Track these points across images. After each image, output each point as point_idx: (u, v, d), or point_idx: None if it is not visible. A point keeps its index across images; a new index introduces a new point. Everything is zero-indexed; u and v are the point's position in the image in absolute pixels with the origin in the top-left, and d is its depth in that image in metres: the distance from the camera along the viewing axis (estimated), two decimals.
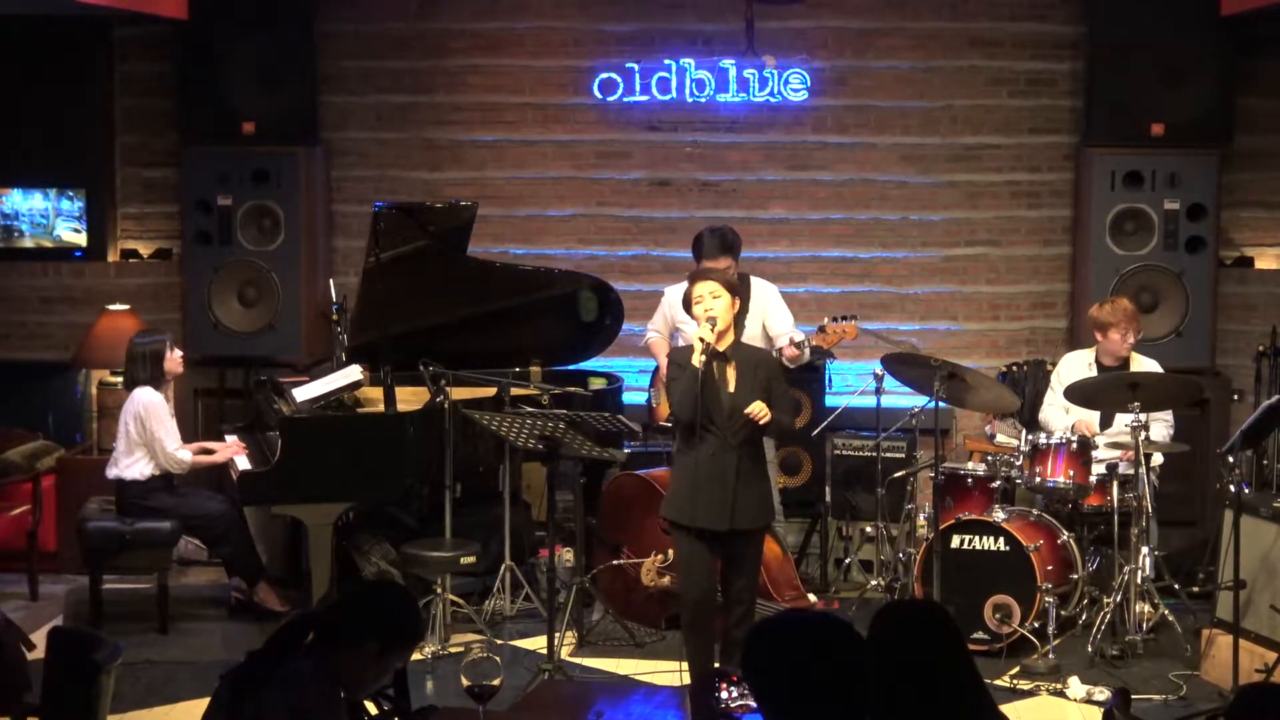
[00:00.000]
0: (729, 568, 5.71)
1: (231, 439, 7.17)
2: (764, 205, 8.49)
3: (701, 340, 5.54)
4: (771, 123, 8.43)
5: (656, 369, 7.18)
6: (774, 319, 6.93)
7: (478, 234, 7.23)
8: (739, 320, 6.75)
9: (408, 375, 6.89)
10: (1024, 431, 6.89)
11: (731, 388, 5.58)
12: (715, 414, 5.58)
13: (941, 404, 6.39)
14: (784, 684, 3.15)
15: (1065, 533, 6.72)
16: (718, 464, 5.58)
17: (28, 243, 8.58)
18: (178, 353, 7.04)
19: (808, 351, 6.73)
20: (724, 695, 3.63)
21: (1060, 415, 7.00)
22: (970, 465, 7.04)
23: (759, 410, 5.47)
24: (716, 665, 5.81)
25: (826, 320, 6.79)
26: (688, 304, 5.76)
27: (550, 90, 8.52)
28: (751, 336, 6.78)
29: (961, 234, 8.44)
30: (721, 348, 5.63)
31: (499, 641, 6.66)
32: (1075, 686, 6.17)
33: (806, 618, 3.31)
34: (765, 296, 6.99)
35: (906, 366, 6.66)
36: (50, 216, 8.57)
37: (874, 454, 7.37)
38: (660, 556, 6.75)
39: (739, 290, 5.75)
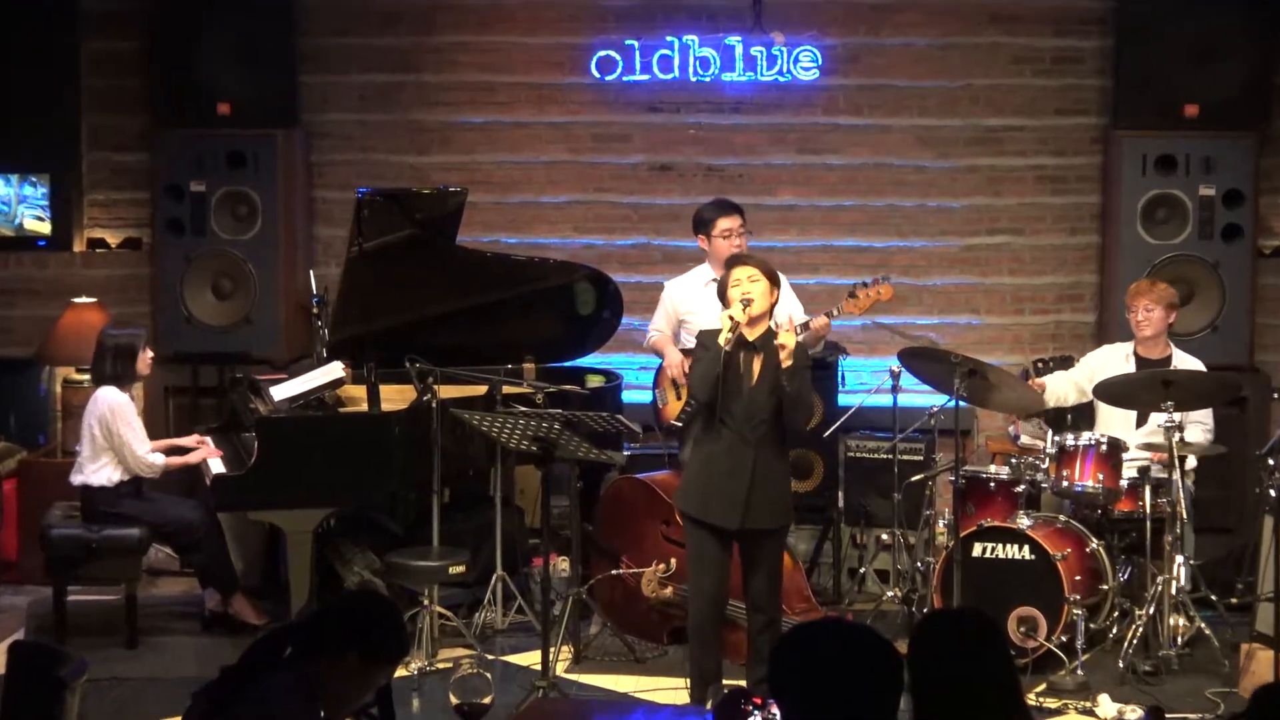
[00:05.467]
0: (746, 567, 5.75)
1: (204, 439, 7.13)
2: (772, 191, 8.47)
3: (731, 319, 5.54)
4: (780, 103, 8.40)
5: (660, 367, 7.16)
6: (783, 306, 6.92)
7: (467, 222, 7.21)
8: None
9: (393, 373, 6.87)
10: (1050, 432, 6.86)
11: (754, 380, 5.56)
12: (734, 405, 5.59)
13: (962, 403, 6.37)
14: (814, 700, 3.14)
15: (1094, 540, 6.69)
16: (734, 459, 5.60)
17: None
18: (149, 353, 7.01)
19: (820, 344, 6.77)
20: (749, 717, 3.61)
21: (1061, 383, 6.95)
22: (993, 468, 7.00)
23: (787, 339, 5.52)
24: (727, 681, 5.80)
25: (856, 285, 6.78)
26: (722, 291, 5.74)
27: (545, 69, 8.48)
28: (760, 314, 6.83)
29: (983, 222, 8.42)
30: (751, 336, 5.63)
31: (490, 657, 6.64)
32: (1105, 705, 6.13)
33: (842, 628, 3.29)
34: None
35: (925, 363, 6.64)
36: (12, 204, 8.52)
37: (890, 456, 7.34)
38: (662, 566, 6.72)
39: (778, 280, 5.76)
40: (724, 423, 5.61)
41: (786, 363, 5.51)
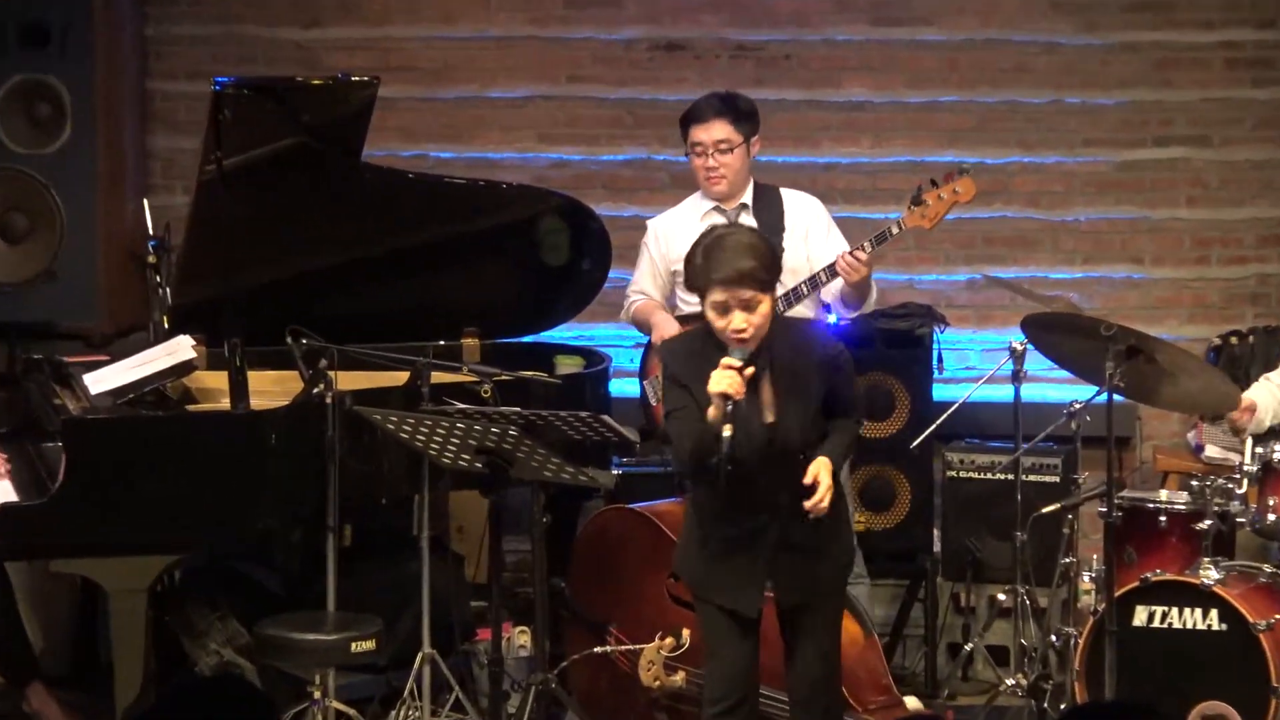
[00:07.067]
0: (787, 642, 5.73)
1: None
2: (834, 81, 8.51)
3: (722, 399, 5.33)
4: None
5: (649, 346, 7.15)
6: (822, 245, 7.01)
7: (379, 128, 7.17)
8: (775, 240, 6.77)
9: (269, 352, 6.89)
10: (1250, 443, 6.83)
11: (769, 414, 5.49)
12: (745, 453, 5.49)
13: (1118, 397, 6.34)
14: None
15: None
16: (749, 525, 5.58)
17: None
18: None
19: (871, 291, 6.86)
20: None
21: (1266, 392, 6.94)
22: (1164, 495, 6.99)
23: (819, 498, 5.40)
24: None
25: (922, 186, 6.73)
26: (696, 288, 5.61)
27: None
28: (794, 270, 6.86)
29: (1148, 127, 8.45)
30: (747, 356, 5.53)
31: None
32: None
33: None
34: (807, 216, 7.11)
35: (1062, 336, 6.61)
36: None
37: (1009, 477, 7.32)
38: (669, 640, 6.70)
39: (777, 269, 5.59)
40: (736, 479, 5.49)
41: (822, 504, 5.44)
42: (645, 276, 7.20)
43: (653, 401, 7.14)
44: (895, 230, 6.77)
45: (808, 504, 5.38)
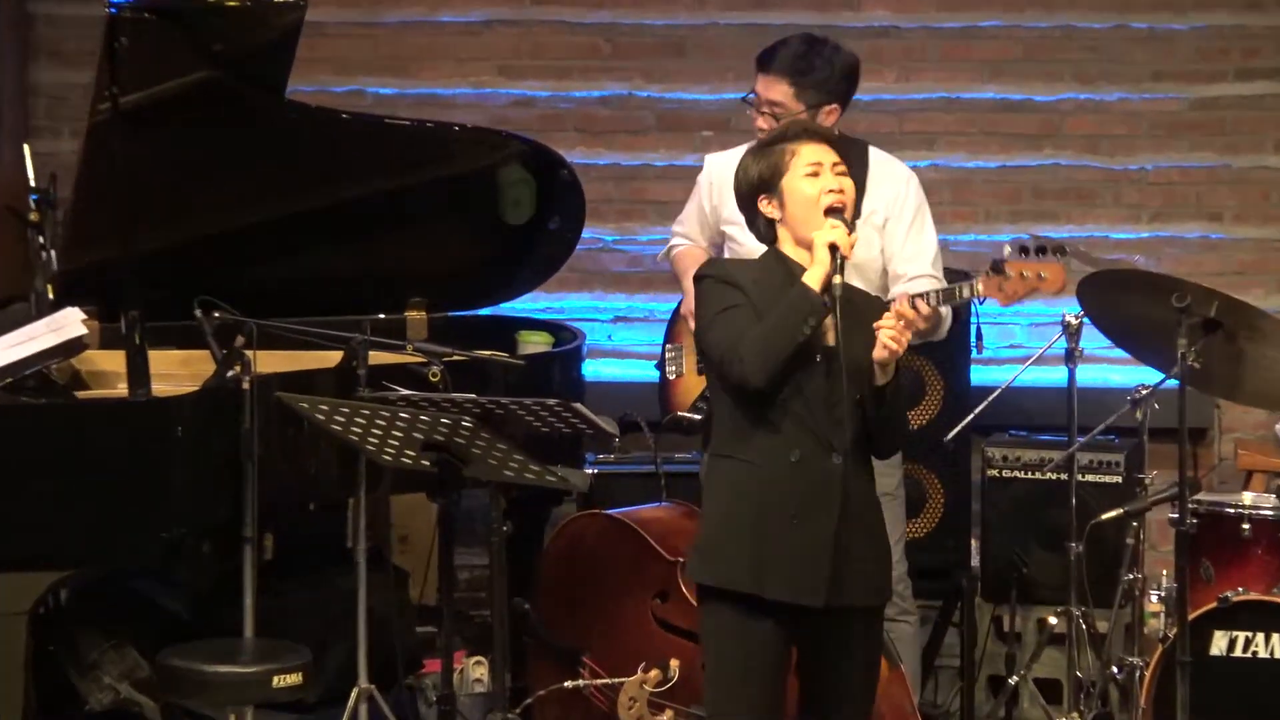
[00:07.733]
0: (818, 678, 5.67)
1: None
2: (851, 3, 8.57)
3: (833, 251, 5.41)
4: None
5: (678, 311, 7.18)
6: (900, 244, 6.79)
7: (308, 59, 7.21)
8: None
9: (175, 328, 6.90)
10: None
11: (830, 337, 5.45)
12: (805, 386, 5.49)
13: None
14: None
15: None
16: (809, 478, 5.50)
17: None
18: None
19: (944, 320, 6.61)
20: None
21: None
22: (1247, 498, 7.00)
23: (897, 321, 5.40)
24: None
25: (1007, 251, 6.61)
26: (765, 183, 5.62)
27: None
28: (857, 266, 6.43)
29: (1229, 57, 8.48)
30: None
31: None
32: None
33: None
34: (893, 199, 6.83)
35: (1125, 307, 6.57)
36: None
37: (1062, 477, 7.31)
38: (654, 673, 6.68)
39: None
40: (785, 418, 5.52)
41: (881, 375, 5.44)
42: (692, 217, 7.05)
43: (670, 376, 7.16)
44: (966, 293, 6.55)
45: (884, 322, 5.42)
